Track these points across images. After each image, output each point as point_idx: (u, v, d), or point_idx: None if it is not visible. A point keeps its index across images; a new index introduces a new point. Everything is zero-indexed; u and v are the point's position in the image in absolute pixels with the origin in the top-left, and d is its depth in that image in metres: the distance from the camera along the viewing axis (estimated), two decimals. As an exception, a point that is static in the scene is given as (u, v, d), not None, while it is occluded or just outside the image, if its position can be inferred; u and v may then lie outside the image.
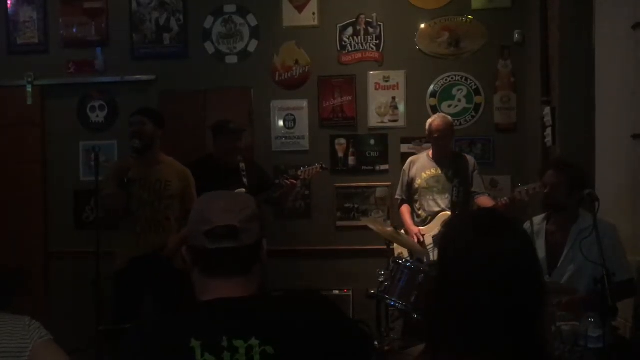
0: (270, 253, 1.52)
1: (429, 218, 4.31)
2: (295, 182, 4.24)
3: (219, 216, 1.41)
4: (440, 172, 4.32)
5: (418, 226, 4.31)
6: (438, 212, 4.27)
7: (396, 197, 4.60)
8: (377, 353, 3.03)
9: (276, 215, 4.90)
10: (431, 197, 4.32)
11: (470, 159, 4.44)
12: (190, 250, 1.45)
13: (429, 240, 4.22)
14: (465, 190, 4.31)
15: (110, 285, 3.86)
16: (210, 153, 4.45)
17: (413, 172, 4.40)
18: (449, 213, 4.22)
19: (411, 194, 4.43)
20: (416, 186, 4.37)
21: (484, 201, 4.28)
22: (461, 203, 4.28)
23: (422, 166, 4.38)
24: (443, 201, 4.29)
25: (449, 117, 4.42)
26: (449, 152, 4.39)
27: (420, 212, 4.36)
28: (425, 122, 4.42)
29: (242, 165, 4.29)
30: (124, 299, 3.82)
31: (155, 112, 4.09)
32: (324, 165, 4.42)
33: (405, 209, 4.46)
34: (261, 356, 1.31)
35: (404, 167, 4.51)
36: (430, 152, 4.42)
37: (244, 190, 4.01)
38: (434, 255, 4.07)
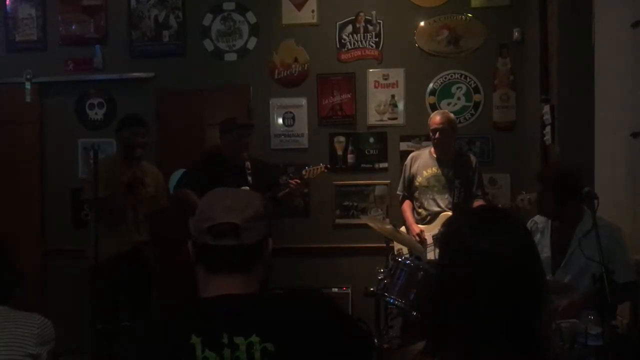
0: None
1: (429, 217, 4.28)
2: (299, 182, 4.25)
3: (222, 214, 1.41)
4: (441, 171, 4.29)
5: (418, 224, 4.30)
6: (438, 212, 4.24)
7: (397, 192, 4.57)
8: (376, 351, 3.03)
9: (275, 213, 4.89)
10: (431, 196, 4.29)
11: (473, 158, 4.40)
12: (194, 246, 1.46)
13: (429, 239, 4.19)
14: (466, 191, 4.27)
15: (87, 281, 3.94)
16: (217, 149, 4.43)
17: (414, 168, 4.37)
18: (450, 213, 4.18)
19: (412, 191, 4.40)
20: (417, 184, 4.34)
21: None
22: (462, 204, 4.24)
23: (424, 164, 4.34)
24: (443, 201, 4.26)
25: (451, 114, 4.36)
26: (450, 150, 4.33)
27: (420, 211, 4.33)
28: (425, 120, 4.42)
29: (247, 163, 4.29)
30: (104, 295, 3.89)
31: (145, 120, 4.30)
32: (328, 166, 4.43)
33: (407, 206, 4.42)
34: (262, 353, 1.31)
35: (406, 163, 4.47)
36: (433, 149, 4.37)
37: (247, 189, 4.01)
38: (434, 254, 4.05)
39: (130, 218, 4.10)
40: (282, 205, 4.39)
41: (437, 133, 4.22)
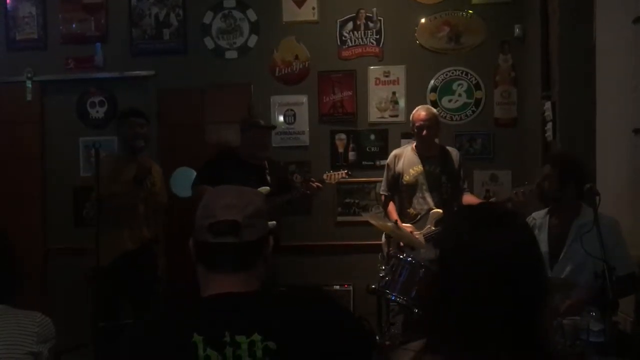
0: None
1: (419, 217, 4.19)
2: (321, 185, 4.26)
3: (222, 211, 1.41)
4: (428, 168, 4.20)
5: (406, 224, 4.16)
6: (428, 210, 4.17)
7: (381, 192, 4.47)
8: (378, 348, 3.03)
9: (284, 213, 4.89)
10: (420, 195, 4.20)
11: (455, 153, 4.33)
12: (195, 245, 1.46)
13: (422, 239, 4.10)
14: (453, 187, 4.22)
15: (94, 280, 3.90)
16: (234, 148, 4.39)
17: (399, 167, 4.28)
18: (440, 211, 4.12)
19: (397, 190, 4.32)
20: (404, 182, 4.24)
21: (470, 199, 4.23)
22: (451, 200, 4.20)
23: (409, 162, 4.25)
24: (432, 199, 4.18)
25: (433, 109, 4.30)
26: (434, 146, 4.26)
27: (409, 210, 4.23)
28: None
29: (266, 163, 4.29)
30: (110, 294, 3.87)
31: (143, 111, 4.23)
32: (349, 172, 4.44)
33: (392, 208, 4.33)
34: (263, 352, 1.31)
35: (388, 162, 4.38)
36: (414, 146, 4.30)
37: (268, 188, 3.99)
38: (433, 253, 4.01)
39: (141, 213, 4.01)
40: (298, 205, 4.43)
41: (424, 130, 4.14)
